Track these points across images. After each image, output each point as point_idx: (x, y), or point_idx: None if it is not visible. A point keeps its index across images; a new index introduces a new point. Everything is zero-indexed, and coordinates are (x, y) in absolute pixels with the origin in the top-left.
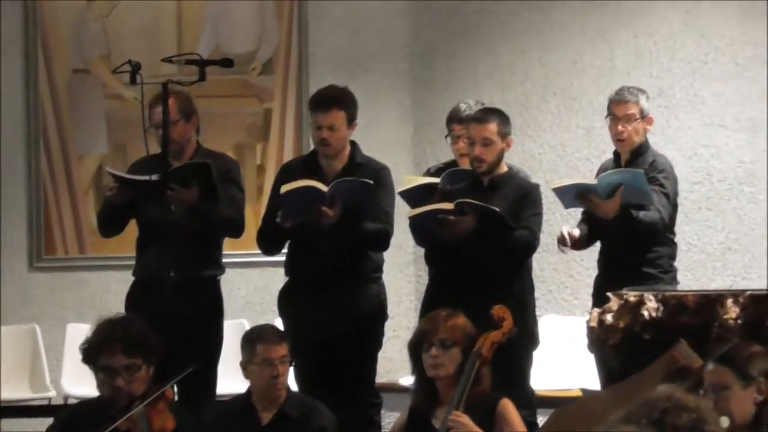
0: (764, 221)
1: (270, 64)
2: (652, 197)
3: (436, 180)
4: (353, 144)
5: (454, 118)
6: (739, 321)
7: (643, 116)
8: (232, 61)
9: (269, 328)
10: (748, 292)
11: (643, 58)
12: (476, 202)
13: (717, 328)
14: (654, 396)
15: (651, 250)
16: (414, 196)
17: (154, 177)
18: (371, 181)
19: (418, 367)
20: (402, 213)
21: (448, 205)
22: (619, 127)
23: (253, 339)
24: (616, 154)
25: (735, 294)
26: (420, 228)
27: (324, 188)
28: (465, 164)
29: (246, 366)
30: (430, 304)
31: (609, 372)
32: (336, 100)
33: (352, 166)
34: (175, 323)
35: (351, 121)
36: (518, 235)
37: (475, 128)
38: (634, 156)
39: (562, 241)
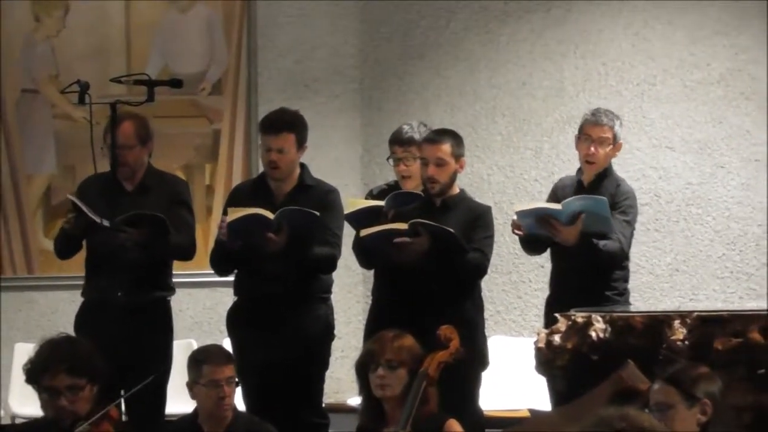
0: (712, 243)
1: (219, 84)
2: (613, 225)
3: (381, 203)
4: (302, 166)
5: (396, 141)
6: (687, 342)
7: (615, 142)
8: (181, 82)
9: (216, 349)
10: (696, 314)
11: (592, 80)
12: (431, 222)
13: (664, 350)
14: (608, 414)
15: (609, 273)
16: (359, 218)
17: (106, 222)
18: (317, 213)
19: (365, 387)
20: (351, 234)
21: (403, 226)
22: (591, 149)
23: (200, 360)
24: (580, 173)
25: (682, 315)
26: (372, 248)
27: (270, 216)
28: (408, 186)
29: (192, 386)
30: (376, 323)
31: (557, 393)
32: (286, 123)
33: (302, 188)
34: (124, 344)
35: (301, 144)
36: (471, 258)
37: (428, 149)
38: (599, 178)
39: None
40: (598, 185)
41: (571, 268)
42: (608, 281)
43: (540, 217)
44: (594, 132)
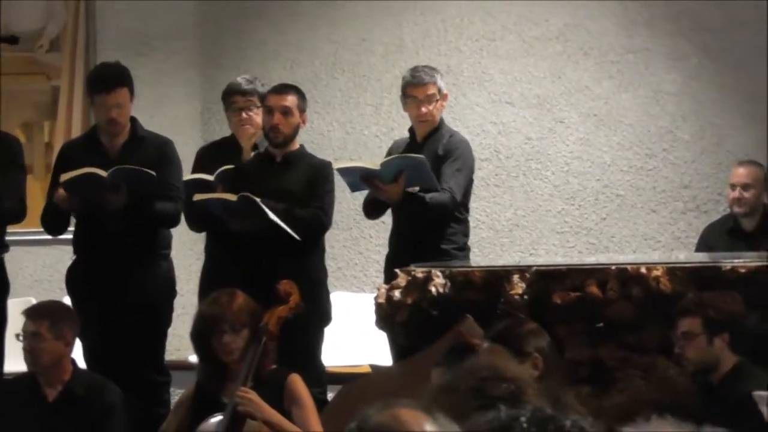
0: (551, 197)
1: (57, 41)
2: (436, 181)
3: (210, 177)
4: (132, 119)
5: (236, 91)
6: (526, 297)
7: (441, 95)
8: (17, 38)
9: (30, 310)
10: (534, 268)
11: (431, 36)
12: (255, 199)
13: (502, 304)
14: (475, 363)
15: (445, 226)
16: (191, 188)
17: None
18: (153, 173)
19: (204, 349)
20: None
21: (232, 197)
22: (423, 110)
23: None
24: (412, 131)
25: (521, 270)
26: (206, 213)
27: (103, 174)
28: (245, 134)
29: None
30: (213, 281)
31: (399, 348)
32: (118, 78)
33: (134, 140)
34: None
35: (132, 96)
36: (311, 217)
37: (275, 98)
38: (430, 132)
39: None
40: (430, 138)
41: (408, 224)
42: (446, 235)
43: (363, 176)
44: (419, 92)
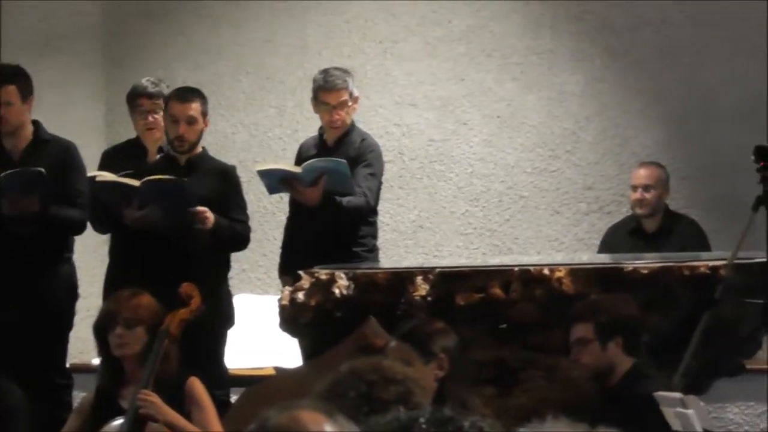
0: (455, 199)
1: None
2: (353, 185)
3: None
4: (36, 123)
5: (142, 94)
6: (429, 298)
7: (352, 98)
8: None
9: None
10: (438, 270)
11: (335, 38)
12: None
13: (404, 305)
14: (360, 366)
15: (356, 229)
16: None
17: None
18: (42, 170)
19: (103, 348)
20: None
21: (135, 182)
22: (335, 116)
23: None
24: (321, 132)
25: (425, 271)
26: (101, 202)
27: None
28: (152, 138)
29: None
30: (118, 283)
31: (304, 350)
32: (5, 76)
33: (37, 143)
34: None
35: (25, 96)
36: (244, 232)
37: (178, 107)
38: (342, 135)
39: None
40: (342, 142)
41: (319, 226)
42: (357, 238)
43: (283, 178)
44: (332, 98)
